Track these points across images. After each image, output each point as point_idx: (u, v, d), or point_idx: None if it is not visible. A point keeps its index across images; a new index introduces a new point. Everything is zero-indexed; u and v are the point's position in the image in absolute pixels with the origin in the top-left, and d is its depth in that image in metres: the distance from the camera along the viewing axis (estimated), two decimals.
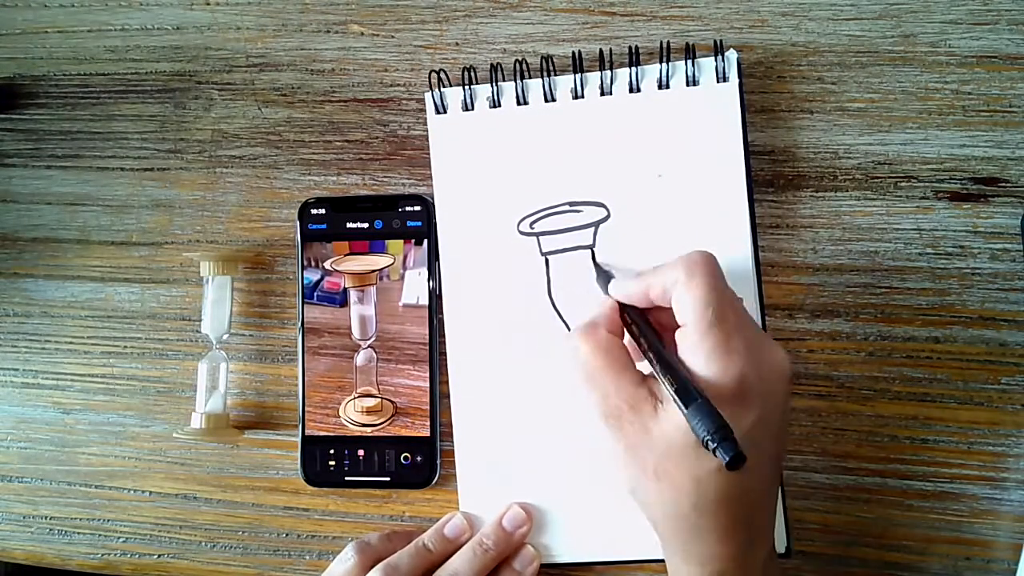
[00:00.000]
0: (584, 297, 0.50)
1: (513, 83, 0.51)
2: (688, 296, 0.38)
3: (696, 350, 0.37)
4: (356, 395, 0.53)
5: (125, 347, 0.56)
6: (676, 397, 0.35)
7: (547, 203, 0.51)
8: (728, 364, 0.36)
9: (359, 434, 0.53)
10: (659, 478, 0.37)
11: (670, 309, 0.39)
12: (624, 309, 0.42)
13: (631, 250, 0.49)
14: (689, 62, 0.49)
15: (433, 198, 0.52)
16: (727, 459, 0.33)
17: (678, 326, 0.38)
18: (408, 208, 0.53)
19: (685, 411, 0.35)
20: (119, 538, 0.56)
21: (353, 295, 0.53)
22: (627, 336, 0.43)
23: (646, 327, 0.41)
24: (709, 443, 0.33)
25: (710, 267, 0.38)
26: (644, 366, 0.40)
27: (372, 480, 0.52)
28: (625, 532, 0.49)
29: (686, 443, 0.36)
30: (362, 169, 0.55)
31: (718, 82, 0.49)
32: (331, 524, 0.54)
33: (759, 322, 0.49)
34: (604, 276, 0.46)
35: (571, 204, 0.50)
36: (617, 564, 0.50)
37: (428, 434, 0.52)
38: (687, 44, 0.49)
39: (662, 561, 0.50)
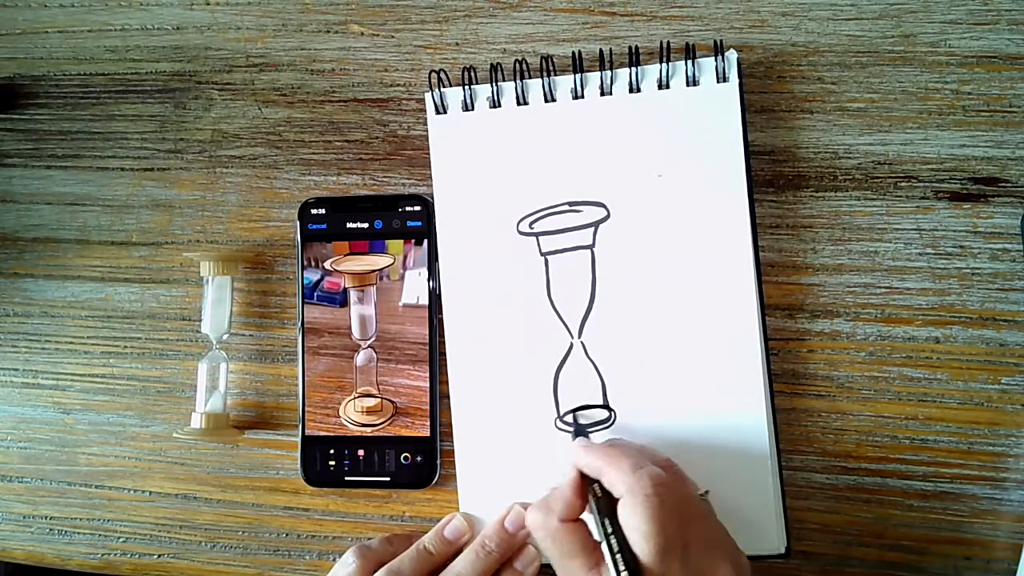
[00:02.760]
0: (583, 297, 0.50)
1: (513, 83, 0.51)
2: (630, 523, 0.39)
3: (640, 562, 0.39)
4: (356, 395, 0.53)
5: (125, 347, 0.56)
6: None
7: (547, 203, 0.51)
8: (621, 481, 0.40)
9: (359, 434, 0.53)
10: None
11: None
12: (587, 480, 0.43)
13: (631, 250, 0.49)
14: (689, 62, 0.49)
15: (433, 198, 0.52)
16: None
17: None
18: (408, 208, 0.53)
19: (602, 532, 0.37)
20: (119, 538, 0.56)
21: (353, 295, 0.53)
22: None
23: (604, 504, 0.41)
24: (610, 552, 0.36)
25: (655, 498, 0.39)
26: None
27: (372, 480, 0.52)
28: None
29: None
30: (362, 169, 0.55)
31: (718, 82, 0.49)
32: (331, 524, 0.54)
33: (759, 322, 0.48)
34: (577, 430, 0.48)
35: (571, 204, 0.50)
36: None
37: (428, 434, 0.52)
38: (687, 44, 0.49)
39: None
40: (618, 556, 0.39)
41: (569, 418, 0.50)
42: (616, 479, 0.41)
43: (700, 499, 0.43)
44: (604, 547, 0.40)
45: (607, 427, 0.49)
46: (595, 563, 0.41)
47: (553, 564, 0.43)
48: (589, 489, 0.43)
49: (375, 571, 0.48)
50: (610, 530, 0.40)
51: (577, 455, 0.44)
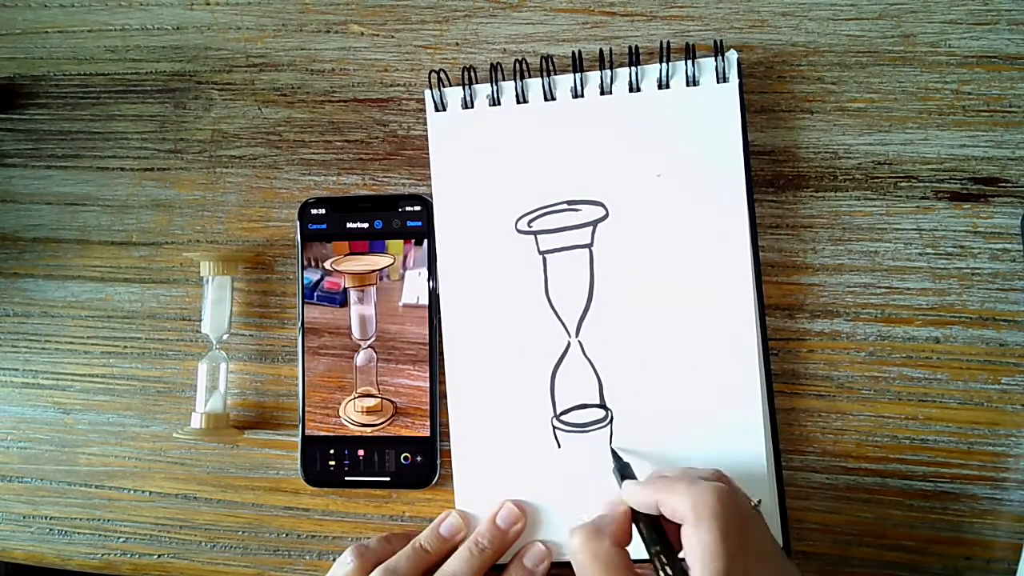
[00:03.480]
0: (581, 296, 0.50)
1: (513, 82, 0.51)
2: (695, 541, 0.37)
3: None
4: (356, 395, 0.53)
5: (125, 347, 0.56)
6: None
7: (545, 201, 0.51)
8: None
9: (359, 434, 0.53)
10: None
11: None
12: (638, 515, 0.42)
13: (629, 250, 0.49)
14: (689, 62, 0.49)
15: (432, 196, 0.52)
16: None
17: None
18: (408, 208, 0.53)
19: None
20: (119, 538, 0.56)
21: (353, 295, 0.53)
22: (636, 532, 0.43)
23: (658, 538, 0.41)
24: None
25: (721, 511, 0.38)
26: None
27: (372, 480, 0.52)
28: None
29: None
30: (362, 169, 0.55)
31: (718, 82, 0.49)
32: (331, 524, 0.54)
33: (756, 322, 0.48)
34: (620, 467, 0.46)
35: (569, 203, 0.50)
36: None
37: (428, 434, 0.52)
38: (687, 44, 0.49)
39: None
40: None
41: (567, 416, 0.50)
42: (677, 502, 0.39)
43: (755, 510, 0.41)
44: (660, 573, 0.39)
45: (603, 426, 0.49)
46: None
47: None
48: (640, 520, 0.42)
49: (373, 570, 0.48)
50: (664, 557, 0.39)
51: (629, 494, 0.43)
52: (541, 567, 0.49)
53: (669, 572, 0.38)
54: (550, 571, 0.49)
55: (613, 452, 0.49)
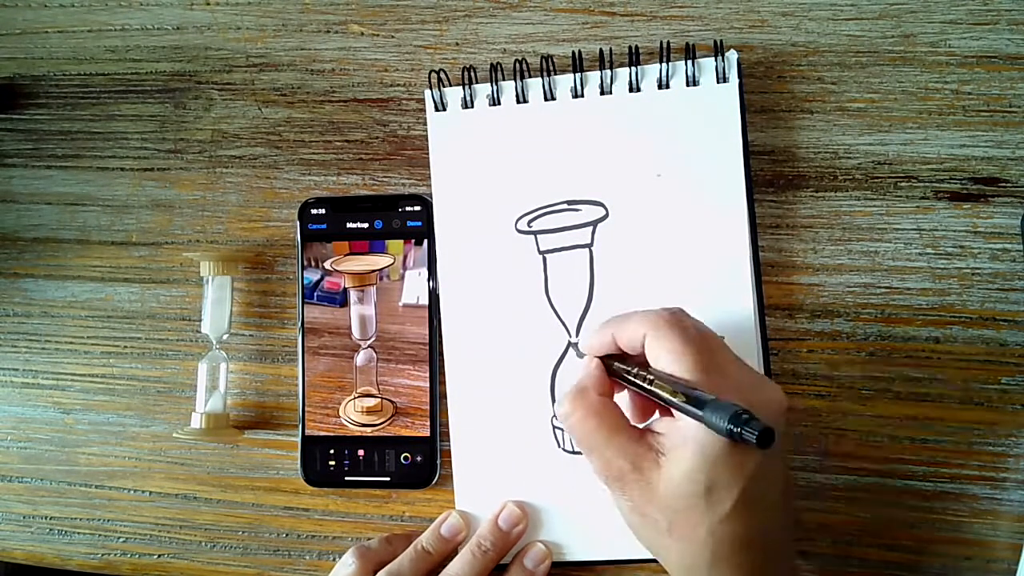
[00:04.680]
0: (581, 295, 0.50)
1: (513, 82, 0.51)
2: (660, 349, 0.38)
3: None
4: (356, 395, 0.53)
5: (125, 347, 0.56)
6: (686, 406, 0.35)
7: (545, 201, 0.51)
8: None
9: (359, 434, 0.53)
10: (673, 534, 0.37)
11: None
12: (606, 361, 0.42)
13: (629, 250, 0.49)
14: (689, 62, 0.49)
15: (432, 196, 0.52)
16: (755, 436, 0.32)
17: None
18: (408, 208, 0.53)
19: (700, 414, 0.34)
20: (119, 538, 0.56)
21: (353, 295, 0.53)
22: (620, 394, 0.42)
23: (632, 364, 0.40)
24: (733, 431, 0.32)
25: (676, 323, 0.38)
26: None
27: (372, 480, 0.52)
28: (625, 531, 0.49)
29: (694, 492, 0.36)
30: (362, 169, 0.55)
31: (718, 82, 0.49)
32: (331, 524, 0.54)
33: (756, 322, 0.48)
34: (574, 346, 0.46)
35: (569, 203, 0.50)
36: (617, 563, 0.50)
37: (428, 434, 0.52)
38: (687, 44, 0.49)
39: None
40: (668, 389, 0.37)
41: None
42: (633, 328, 0.39)
43: (716, 335, 0.40)
44: (650, 392, 0.38)
45: None
46: (640, 433, 0.39)
47: (593, 452, 0.39)
48: (608, 361, 0.42)
49: (375, 571, 0.48)
50: (649, 377, 0.38)
51: (588, 342, 0.42)
52: (541, 567, 0.49)
53: (657, 385, 0.37)
54: (550, 571, 0.49)
55: (574, 345, 0.49)
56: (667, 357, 0.37)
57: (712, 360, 0.37)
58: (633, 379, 0.40)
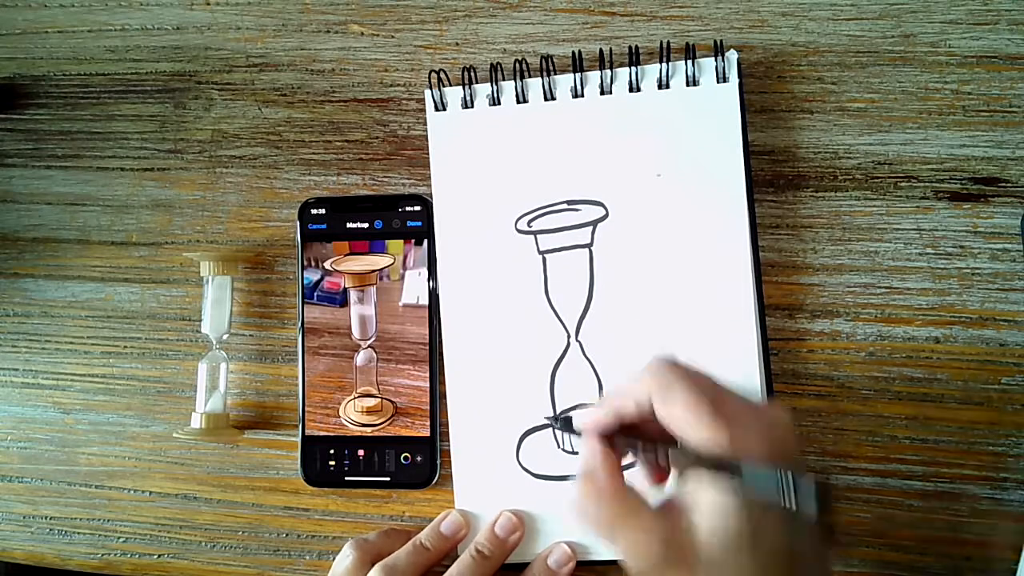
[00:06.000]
0: (580, 295, 0.50)
1: (513, 82, 0.51)
2: (674, 410, 0.36)
3: (710, 447, 0.35)
4: (356, 395, 0.53)
5: (125, 347, 0.56)
6: (721, 476, 0.34)
7: (545, 201, 0.51)
8: (748, 445, 0.35)
9: (359, 434, 0.53)
10: None
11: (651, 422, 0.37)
12: (613, 438, 0.39)
13: (629, 250, 0.49)
14: (689, 62, 0.49)
15: (432, 196, 0.52)
16: (814, 510, 0.31)
17: (670, 439, 0.37)
18: (408, 208, 0.53)
19: (742, 482, 0.33)
20: (119, 538, 0.56)
21: (353, 295, 0.53)
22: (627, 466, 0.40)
23: (637, 439, 0.38)
24: (786, 500, 0.32)
25: (680, 371, 0.37)
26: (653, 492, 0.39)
27: (372, 480, 0.52)
28: None
29: (735, 550, 0.34)
30: (362, 169, 0.55)
31: (718, 82, 0.49)
32: (331, 524, 0.54)
33: (759, 322, 0.49)
34: (564, 422, 0.43)
35: (569, 203, 0.50)
36: (616, 564, 0.50)
37: (428, 434, 0.52)
38: (687, 44, 0.49)
39: None
40: (685, 456, 0.35)
41: (560, 419, 0.50)
42: (638, 394, 0.37)
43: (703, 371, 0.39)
44: (668, 458, 0.36)
45: None
46: (659, 509, 0.37)
47: (620, 538, 0.37)
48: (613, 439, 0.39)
49: (372, 563, 0.48)
50: (664, 453, 0.36)
51: (587, 422, 0.40)
52: (565, 569, 0.49)
53: (664, 457, 0.36)
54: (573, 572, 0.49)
55: (554, 419, 0.48)
56: (681, 413, 0.36)
57: (721, 404, 0.36)
58: (643, 455, 0.38)
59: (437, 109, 0.52)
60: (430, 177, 0.52)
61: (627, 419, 0.38)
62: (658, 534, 0.35)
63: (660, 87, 0.50)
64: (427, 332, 0.52)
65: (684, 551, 0.35)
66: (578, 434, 0.41)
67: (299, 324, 0.54)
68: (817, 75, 0.50)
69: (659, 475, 0.40)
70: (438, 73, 0.52)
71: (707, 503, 0.34)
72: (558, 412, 0.50)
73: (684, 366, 0.38)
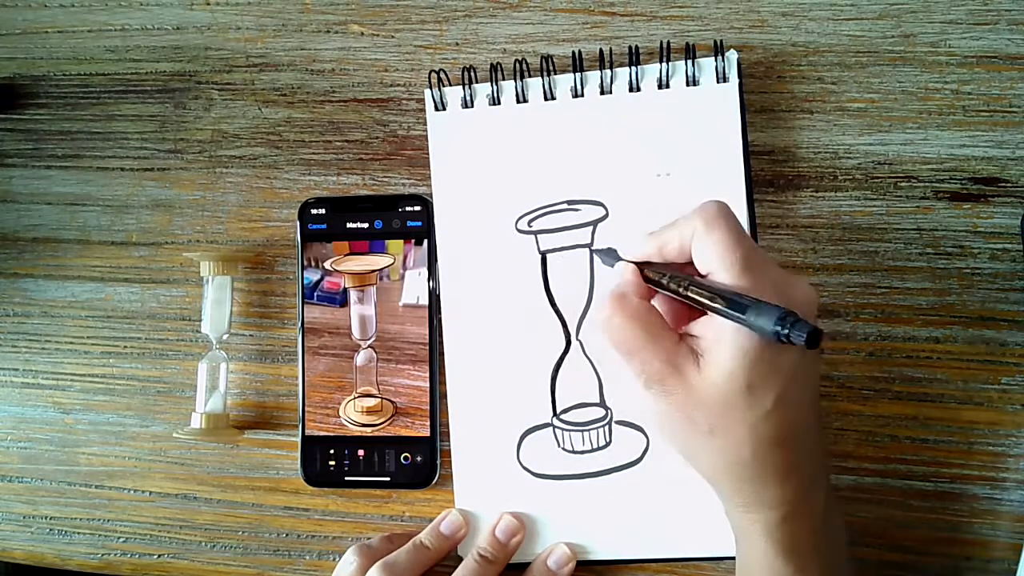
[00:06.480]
0: (581, 295, 0.50)
1: (513, 82, 0.51)
2: (711, 245, 0.37)
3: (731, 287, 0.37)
4: (356, 395, 0.53)
5: (125, 347, 0.56)
6: (728, 311, 0.35)
7: (546, 201, 0.51)
8: (766, 298, 0.36)
9: (359, 434, 0.53)
10: (713, 433, 0.37)
11: (688, 264, 0.39)
12: (643, 269, 0.41)
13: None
14: (689, 62, 0.49)
15: (432, 196, 0.52)
16: (804, 337, 0.32)
17: (701, 277, 0.38)
18: (408, 208, 0.53)
19: (743, 317, 0.35)
20: (119, 538, 0.56)
21: (353, 295, 0.53)
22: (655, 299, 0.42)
23: (670, 270, 0.40)
24: (780, 334, 0.33)
25: (728, 215, 0.38)
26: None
27: (372, 480, 0.52)
28: (624, 531, 0.49)
29: (735, 391, 0.36)
30: (362, 169, 0.55)
31: (718, 82, 0.49)
32: (331, 524, 0.54)
33: None
34: (608, 252, 0.45)
35: (569, 203, 0.50)
36: (617, 563, 0.50)
37: (428, 434, 0.52)
38: (687, 44, 0.49)
39: (660, 560, 0.50)
40: (706, 294, 0.37)
41: (567, 416, 0.50)
42: (682, 226, 0.39)
43: None
44: (689, 298, 0.38)
45: (602, 426, 0.49)
46: (678, 337, 0.39)
47: (634, 354, 0.38)
48: (648, 268, 0.41)
49: None
50: (685, 283, 0.38)
51: (632, 249, 0.42)
52: (565, 570, 0.49)
53: (698, 291, 0.37)
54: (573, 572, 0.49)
55: (593, 251, 0.49)
56: (716, 249, 0.37)
57: (755, 256, 0.37)
58: (669, 284, 0.39)
59: (437, 109, 0.52)
60: (430, 177, 0.52)
61: (668, 254, 0.40)
62: (671, 360, 0.38)
63: (660, 87, 0.50)
64: (427, 332, 0.52)
65: (690, 374, 0.37)
66: (612, 263, 0.43)
67: (299, 324, 0.54)
68: (817, 75, 0.50)
69: (678, 317, 0.41)
70: (438, 73, 0.52)
71: (719, 336, 0.37)
72: (558, 411, 0.50)
73: (731, 212, 0.39)
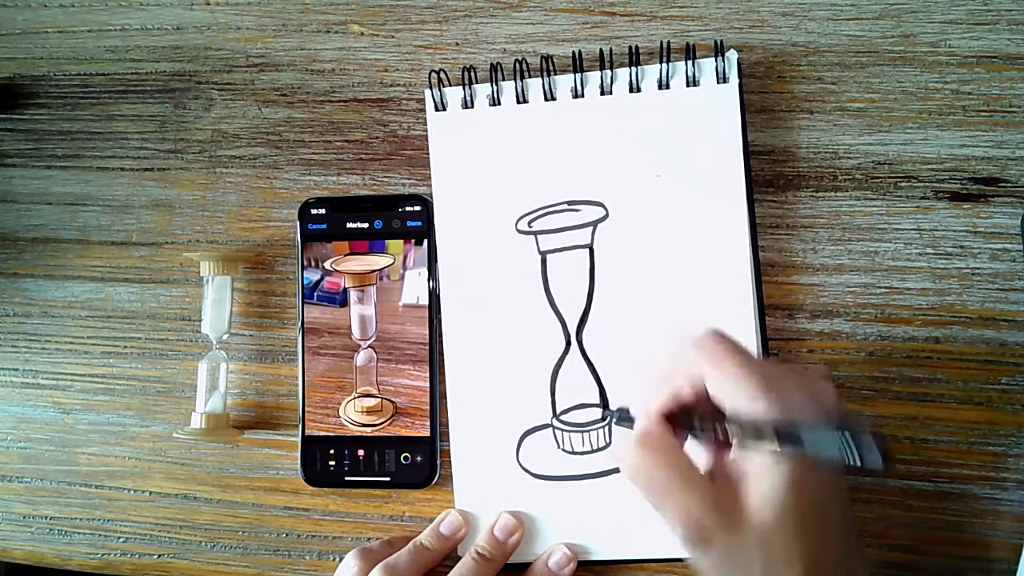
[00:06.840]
0: (581, 296, 0.50)
1: (513, 82, 0.51)
2: (728, 382, 0.36)
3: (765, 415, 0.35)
4: (356, 395, 0.53)
5: (125, 347, 0.56)
6: (786, 444, 0.33)
7: (546, 202, 0.51)
8: (798, 411, 0.35)
9: (359, 434, 0.53)
10: (770, 570, 0.35)
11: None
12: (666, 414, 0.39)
13: (629, 250, 0.49)
14: (689, 62, 0.49)
15: (432, 196, 0.52)
16: (881, 463, 0.31)
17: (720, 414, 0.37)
18: (408, 208, 0.53)
19: (804, 448, 0.33)
20: (119, 538, 0.56)
21: (353, 295, 0.53)
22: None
23: (692, 415, 0.38)
24: (850, 459, 0.32)
25: (727, 343, 0.37)
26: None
27: (372, 480, 0.52)
28: (624, 531, 0.49)
29: (784, 513, 0.34)
30: (362, 169, 0.55)
31: (718, 82, 0.49)
32: (331, 524, 0.54)
33: (759, 322, 0.49)
34: (622, 414, 0.43)
35: (569, 203, 0.50)
36: (617, 564, 0.50)
37: (428, 434, 0.52)
38: (687, 44, 0.49)
39: (660, 561, 0.50)
40: (752, 433, 0.35)
41: (567, 416, 0.50)
42: (691, 371, 0.37)
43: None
44: (725, 431, 0.36)
45: (602, 427, 0.49)
46: (711, 477, 0.37)
47: (670, 505, 0.36)
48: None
49: None
50: (723, 427, 0.36)
51: (643, 408, 0.40)
52: (565, 571, 0.49)
53: (724, 431, 0.36)
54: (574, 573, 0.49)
55: (609, 411, 0.49)
56: (735, 385, 0.36)
57: (771, 372, 0.36)
58: (704, 430, 0.37)
59: (437, 109, 0.52)
60: (430, 177, 0.52)
61: (684, 401, 0.38)
62: (711, 501, 0.35)
63: (660, 87, 0.50)
64: (427, 332, 0.52)
65: (735, 517, 0.35)
66: (631, 425, 0.41)
67: (299, 324, 0.54)
68: (817, 75, 0.50)
69: (717, 451, 0.39)
70: (438, 73, 0.52)
71: (761, 469, 0.35)
72: (558, 412, 0.50)
73: (730, 339, 0.38)
